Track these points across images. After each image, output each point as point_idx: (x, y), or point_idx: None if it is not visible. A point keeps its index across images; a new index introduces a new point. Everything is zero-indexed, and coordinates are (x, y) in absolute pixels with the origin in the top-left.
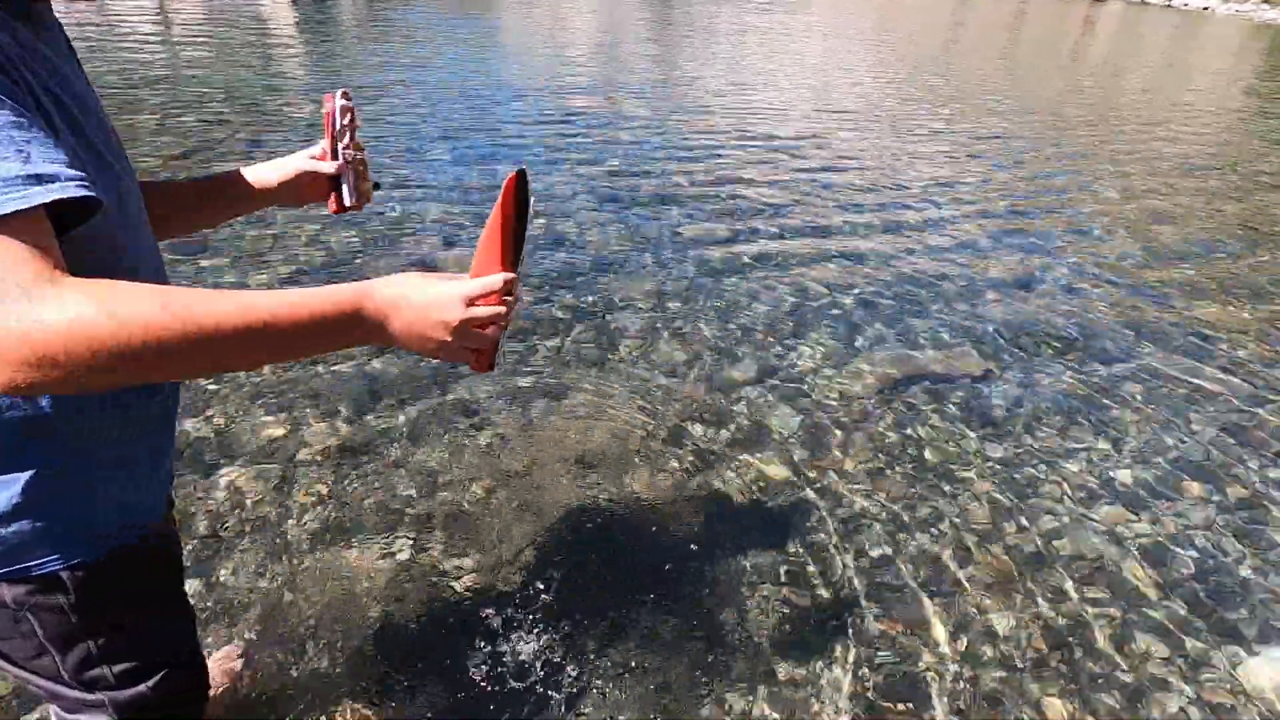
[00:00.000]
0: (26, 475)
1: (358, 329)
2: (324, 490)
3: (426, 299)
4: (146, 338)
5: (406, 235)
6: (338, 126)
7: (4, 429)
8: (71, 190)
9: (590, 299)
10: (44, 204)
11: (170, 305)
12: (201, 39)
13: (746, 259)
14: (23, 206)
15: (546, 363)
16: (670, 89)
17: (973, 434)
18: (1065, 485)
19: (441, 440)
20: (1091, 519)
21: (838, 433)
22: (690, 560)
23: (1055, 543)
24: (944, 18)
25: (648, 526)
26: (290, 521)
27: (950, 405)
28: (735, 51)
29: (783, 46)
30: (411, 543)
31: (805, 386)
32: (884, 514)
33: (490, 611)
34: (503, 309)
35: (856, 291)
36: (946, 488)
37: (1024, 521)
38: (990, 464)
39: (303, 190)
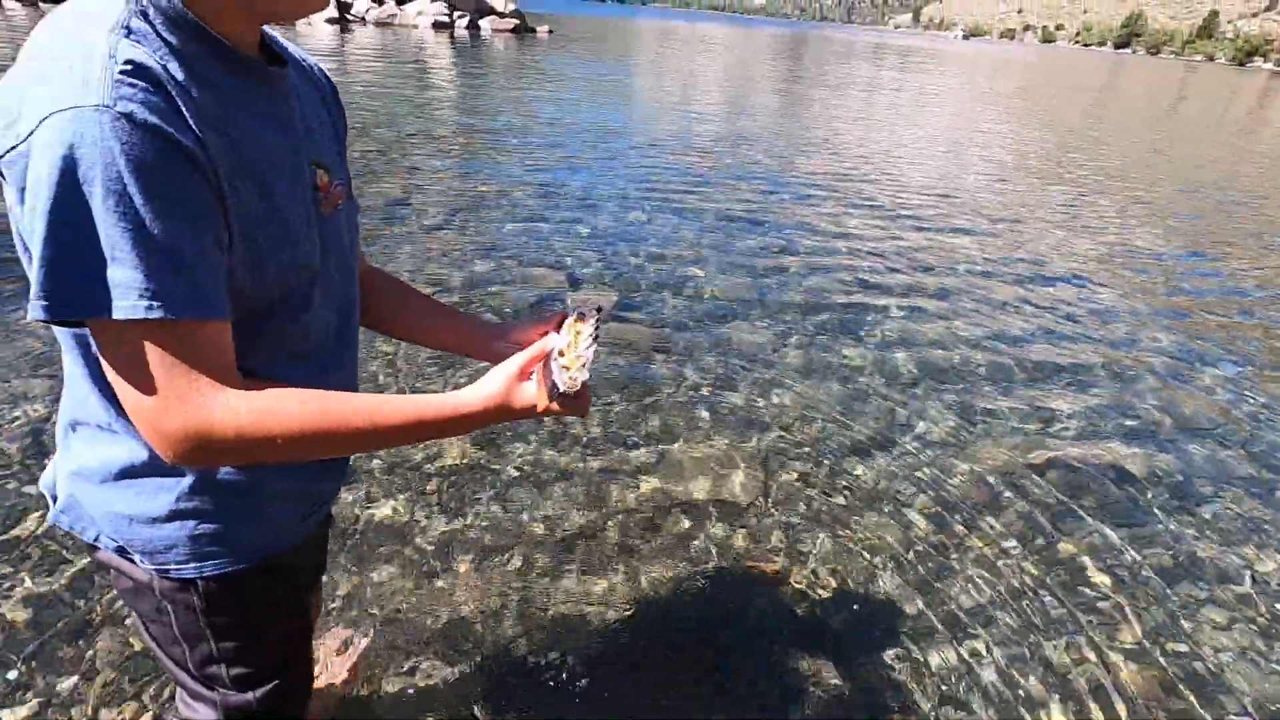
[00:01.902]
0: (186, 484)
1: (467, 429)
2: (448, 504)
3: (507, 401)
4: (287, 444)
5: (536, 267)
6: (587, 349)
7: None
8: (155, 314)
9: (707, 346)
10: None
11: (311, 422)
12: (370, 68)
13: (868, 320)
14: (143, 316)
15: (663, 405)
16: (796, 143)
17: (1114, 534)
18: (1231, 609)
19: (558, 467)
20: (1270, 657)
21: (959, 514)
22: (786, 630)
23: (1222, 677)
24: (1095, 80)
25: (748, 587)
26: (413, 530)
27: (1088, 498)
28: (866, 109)
29: (916, 105)
30: (523, 565)
31: (926, 459)
32: (1008, 611)
33: (588, 642)
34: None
35: (986, 364)
36: (1081, 590)
37: (1180, 648)
38: (1137, 573)
39: (508, 345)
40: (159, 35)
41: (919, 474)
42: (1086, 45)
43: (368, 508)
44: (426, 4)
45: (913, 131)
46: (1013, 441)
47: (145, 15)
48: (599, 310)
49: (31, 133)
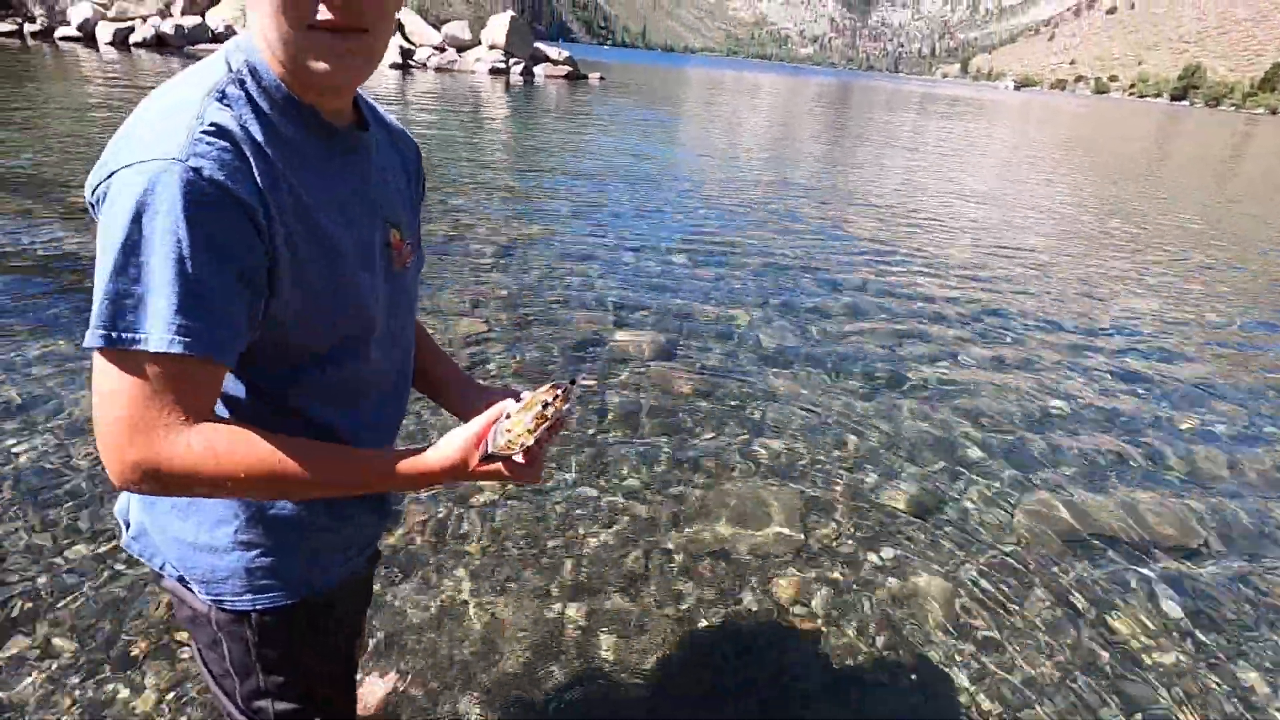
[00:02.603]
0: (245, 516)
1: (411, 487)
2: (485, 542)
3: (459, 459)
4: (236, 485)
5: (581, 309)
6: (551, 409)
7: None
8: (175, 348)
9: (750, 393)
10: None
11: (263, 466)
12: (428, 110)
13: (916, 374)
14: (159, 349)
15: (705, 450)
16: (842, 192)
17: (1175, 608)
18: None
19: (598, 509)
20: None
21: (1012, 580)
22: (827, 687)
23: None
24: (1152, 132)
25: (790, 639)
26: (450, 570)
27: (1150, 570)
28: (914, 159)
29: (965, 155)
30: (560, 609)
31: (978, 521)
32: (1061, 690)
33: (624, 691)
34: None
35: (1035, 426)
36: (1139, 671)
37: None
38: (1197, 652)
39: (463, 399)
40: (250, 101)
41: (969, 535)
42: (1142, 96)
43: (405, 544)
44: (484, 51)
45: (962, 183)
46: (1070, 507)
47: (241, 83)
48: (570, 383)
49: (114, 174)
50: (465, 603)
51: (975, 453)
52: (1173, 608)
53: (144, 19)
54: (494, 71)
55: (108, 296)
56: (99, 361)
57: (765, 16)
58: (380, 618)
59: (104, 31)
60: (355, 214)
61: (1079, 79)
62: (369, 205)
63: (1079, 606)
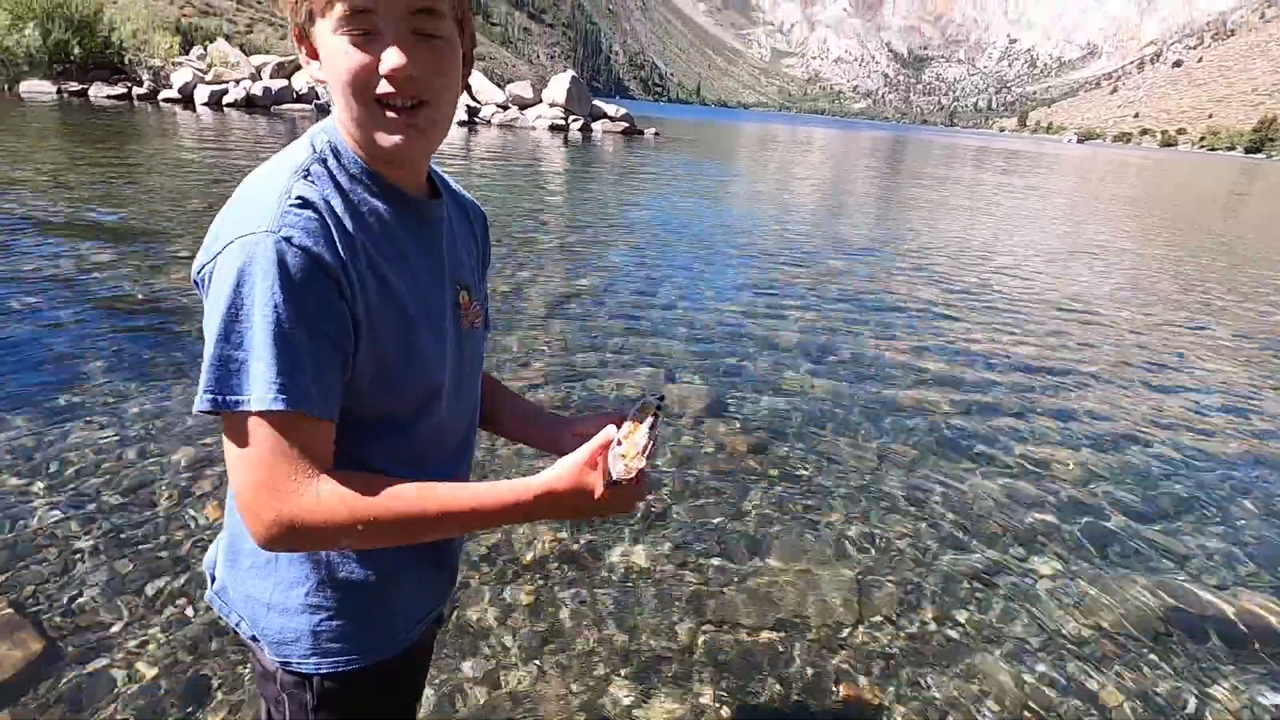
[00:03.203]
0: (318, 579)
1: (525, 517)
2: (535, 604)
3: (566, 489)
4: (369, 529)
5: (636, 364)
6: (643, 437)
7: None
8: (277, 405)
9: (804, 454)
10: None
11: (390, 509)
12: (491, 165)
13: (981, 438)
14: (259, 409)
15: (757, 513)
16: (900, 248)
17: (1271, 697)
18: None
19: (647, 571)
20: None
21: (1085, 665)
22: None
23: None
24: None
25: (845, 715)
26: (500, 631)
27: (1238, 654)
28: (972, 216)
29: (1020, 214)
30: (607, 673)
31: (1047, 598)
32: None
33: None
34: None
35: (1119, 496)
36: None
37: None
38: None
39: (555, 433)
40: (331, 176)
41: (1038, 614)
42: (1213, 149)
43: (456, 604)
44: (545, 109)
45: (1025, 239)
46: (1150, 585)
47: (324, 161)
48: (660, 400)
49: (219, 253)
50: (510, 665)
51: (1048, 524)
52: (1271, 702)
53: (236, 82)
54: (554, 128)
55: (213, 363)
56: (226, 431)
57: (819, 73)
58: (428, 679)
59: (201, 93)
60: (427, 278)
61: (1144, 132)
62: (440, 269)
63: (1162, 699)
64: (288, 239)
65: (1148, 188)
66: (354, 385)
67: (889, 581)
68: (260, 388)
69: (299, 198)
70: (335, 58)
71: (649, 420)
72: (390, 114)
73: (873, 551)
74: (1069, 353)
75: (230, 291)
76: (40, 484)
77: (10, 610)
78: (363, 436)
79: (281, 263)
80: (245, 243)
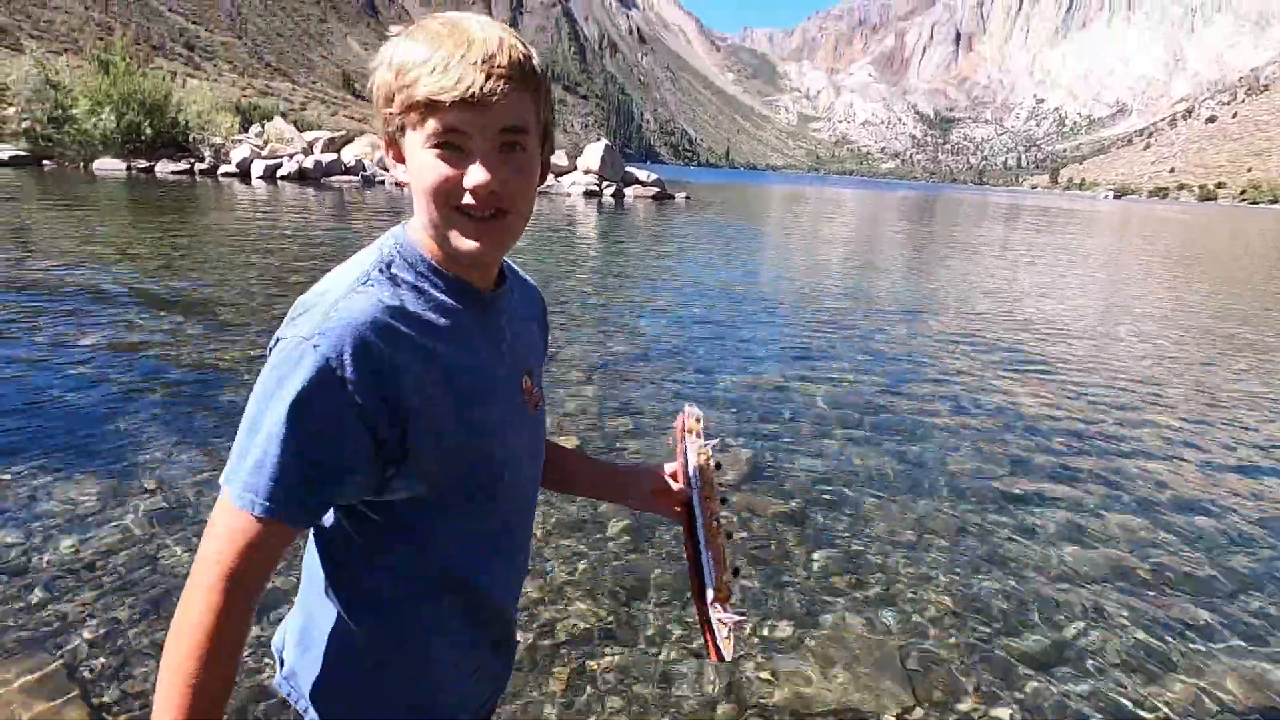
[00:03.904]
0: (384, 672)
1: None
2: (571, 678)
3: None
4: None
5: (669, 428)
6: (691, 436)
7: (356, 622)
8: (257, 511)
9: (843, 524)
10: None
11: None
12: (528, 234)
13: (1028, 507)
14: (231, 501)
15: (796, 587)
16: (929, 313)
17: None
18: None
19: (685, 645)
20: None
21: None
22: None
23: None
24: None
25: None
26: (541, 695)
27: None
28: (1004, 277)
29: (1060, 273)
30: None
31: (1109, 680)
32: None
33: None
34: None
35: (1178, 568)
36: None
37: None
38: None
39: (643, 492)
40: (393, 279)
41: (1097, 697)
42: (1254, 203)
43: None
44: (580, 175)
45: (1068, 302)
46: (1218, 665)
47: (389, 264)
48: (698, 415)
49: (274, 344)
50: None
51: (1107, 600)
52: None
53: (290, 156)
54: (589, 194)
55: (236, 446)
56: (220, 498)
57: (846, 135)
58: None
59: (257, 168)
60: (496, 370)
61: (1181, 187)
62: (507, 358)
63: None
64: (318, 349)
65: (1197, 243)
66: (419, 482)
67: (937, 659)
68: (248, 484)
69: (345, 309)
70: (423, 169)
71: (698, 431)
72: (469, 221)
73: (920, 625)
74: (1117, 418)
75: (261, 390)
76: (88, 551)
77: (56, 679)
78: (430, 524)
79: (307, 372)
80: (286, 345)
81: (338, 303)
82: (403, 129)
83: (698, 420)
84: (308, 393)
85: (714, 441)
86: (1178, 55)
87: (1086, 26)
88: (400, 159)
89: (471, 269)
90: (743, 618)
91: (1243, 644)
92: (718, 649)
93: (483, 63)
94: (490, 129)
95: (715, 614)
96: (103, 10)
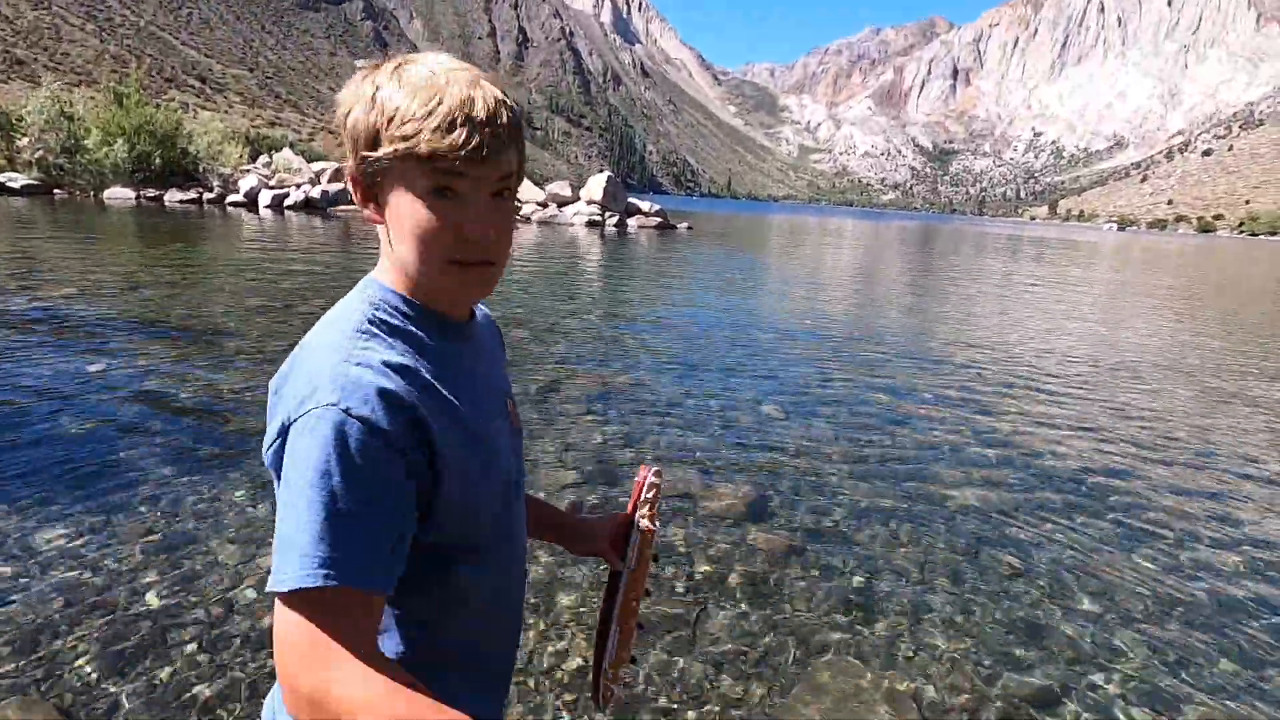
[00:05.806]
0: None
1: None
2: (571, 705)
3: None
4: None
5: (672, 463)
6: (643, 496)
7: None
8: (312, 581)
9: (846, 560)
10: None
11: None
12: (530, 261)
13: (1033, 542)
14: (298, 586)
15: (797, 623)
16: (932, 347)
17: None
18: None
19: (685, 678)
20: None
21: None
22: None
23: None
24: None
25: None
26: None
27: None
28: (1008, 310)
29: (1064, 307)
30: None
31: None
32: None
33: None
34: None
35: (1182, 607)
36: None
37: None
38: None
39: (585, 548)
40: (385, 323)
41: None
42: (1254, 234)
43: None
44: (583, 206)
45: (1074, 336)
46: (1231, 703)
47: (377, 309)
48: (657, 474)
49: (287, 430)
50: None
51: (1112, 641)
52: None
53: (297, 186)
54: (591, 224)
55: (279, 540)
56: (279, 600)
57: (846, 167)
58: None
59: (264, 197)
60: (486, 397)
61: (1180, 219)
62: (489, 383)
63: None
64: (346, 410)
65: (1206, 276)
66: (442, 519)
67: (939, 704)
68: (309, 561)
69: (358, 362)
70: (417, 217)
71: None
72: (460, 269)
73: (923, 666)
74: (1123, 454)
75: (299, 467)
76: (83, 588)
77: (46, 715)
78: (450, 557)
79: (341, 437)
80: (308, 421)
81: (344, 363)
82: (384, 173)
83: (654, 488)
84: (360, 456)
85: (660, 516)
86: (1173, 90)
87: (1081, 62)
88: (370, 199)
89: (452, 308)
90: (626, 690)
91: (1259, 683)
92: (599, 701)
93: (486, 123)
94: (488, 180)
95: (605, 679)
96: (118, 44)
